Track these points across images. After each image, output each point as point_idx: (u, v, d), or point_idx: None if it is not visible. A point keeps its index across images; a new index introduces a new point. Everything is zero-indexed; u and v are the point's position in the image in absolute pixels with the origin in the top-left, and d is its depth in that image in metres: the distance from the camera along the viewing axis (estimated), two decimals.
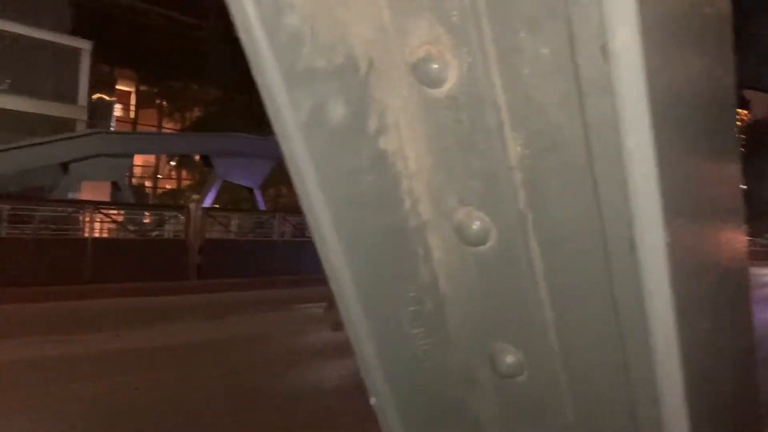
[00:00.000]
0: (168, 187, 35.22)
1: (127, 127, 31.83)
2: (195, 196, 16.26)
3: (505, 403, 0.61)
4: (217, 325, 10.31)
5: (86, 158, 18.70)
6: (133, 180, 24.73)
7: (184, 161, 32.31)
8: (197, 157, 28.71)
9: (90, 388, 6.32)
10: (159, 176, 35.64)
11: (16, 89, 22.58)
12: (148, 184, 34.62)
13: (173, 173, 35.91)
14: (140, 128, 32.72)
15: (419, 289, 0.59)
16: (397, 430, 0.63)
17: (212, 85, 31.64)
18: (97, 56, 25.35)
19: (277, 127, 0.55)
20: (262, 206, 22.78)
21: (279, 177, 29.29)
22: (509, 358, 0.59)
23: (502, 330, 0.59)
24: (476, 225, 0.56)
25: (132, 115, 34.16)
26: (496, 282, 0.58)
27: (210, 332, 9.70)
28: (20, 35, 22.23)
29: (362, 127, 0.54)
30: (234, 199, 25.63)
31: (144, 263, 12.97)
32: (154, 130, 33.03)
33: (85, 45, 24.65)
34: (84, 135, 20.53)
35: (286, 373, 7.43)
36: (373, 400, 0.63)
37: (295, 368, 7.65)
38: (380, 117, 0.54)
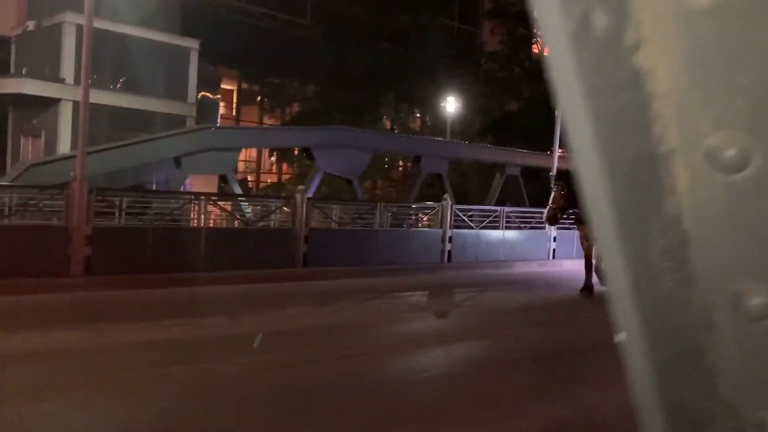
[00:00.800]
0: (269, 180, 36.26)
1: (230, 124, 32.89)
2: (300, 187, 16.65)
3: (747, 347, 0.55)
4: (325, 312, 10.53)
5: (198, 152, 19.60)
6: (237, 174, 25.56)
7: (284, 156, 33.19)
8: (296, 151, 29.54)
9: (216, 369, 6.64)
10: (261, 171, 36.74)
11: (129, 87, 23.72)
12: (250, 178, 35.77)
13: (274, 167, 36.91)
14: (242, 125, 33.79)
15: (665, 221, 0.55)
16: (642, 365, 0.60)
17: (311, 81, 32.33)
18: (202, 55, 26.27)
19: (546, 36, 0.55)
20: (360, 197, 23.25)
21: (375, 169, 29.65)
22: (757, 299, 0.53)
23: (752, 268, 0.53)
24: (733, 149, 0.51)
25: (234, 112, 35.32)
26: (751, 213, 0.52)
27: (319, 319, 9.93)
28: (133, 36, 23.25)
29: (620, 40, 0.52)
30: (333, 190, 26.19)
31: (253, 252, 13.41)
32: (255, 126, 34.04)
33: (193, 44, 25.60)
34: (196, 130, 21.48)
35: (394, 359, 7.51)
36: (621, 336, 0.60)
37: (401, 355, 7.72)
38: (637, 30, 0.52)
